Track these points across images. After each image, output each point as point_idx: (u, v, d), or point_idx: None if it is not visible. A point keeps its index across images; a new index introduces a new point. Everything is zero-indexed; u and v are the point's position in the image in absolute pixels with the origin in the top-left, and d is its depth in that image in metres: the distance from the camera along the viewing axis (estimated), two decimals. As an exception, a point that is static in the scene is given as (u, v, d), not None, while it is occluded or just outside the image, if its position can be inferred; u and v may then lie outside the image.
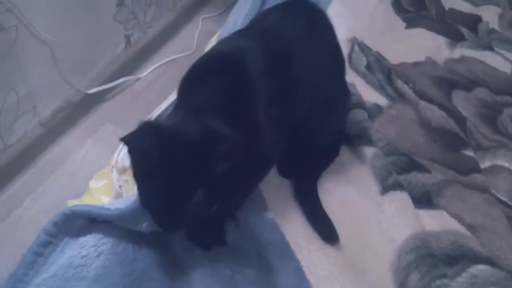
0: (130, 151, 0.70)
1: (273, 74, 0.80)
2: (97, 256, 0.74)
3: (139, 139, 0.68)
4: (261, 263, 0.82)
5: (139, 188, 0.71)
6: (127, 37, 1.70)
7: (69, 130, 1.52)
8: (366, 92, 1.19)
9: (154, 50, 1.86)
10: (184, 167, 0.67)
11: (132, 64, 1.77)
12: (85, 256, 0.73)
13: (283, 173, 0.97)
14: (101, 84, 1.60)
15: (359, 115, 1.09)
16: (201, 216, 0.72)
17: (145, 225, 0.75)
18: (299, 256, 0.84)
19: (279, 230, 0.87)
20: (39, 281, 0.72)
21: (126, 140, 0.68)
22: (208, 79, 0.77)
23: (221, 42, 0.88)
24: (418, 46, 1.41)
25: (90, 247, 0.74)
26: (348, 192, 0.97)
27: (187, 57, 1.75)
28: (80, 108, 1.57)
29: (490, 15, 1.58)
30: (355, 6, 1.48)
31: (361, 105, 1.12)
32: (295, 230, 0.88)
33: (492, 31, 1.53)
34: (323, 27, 0.96)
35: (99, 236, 0.76)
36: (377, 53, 1.34)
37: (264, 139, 0.80)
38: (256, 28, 0.91)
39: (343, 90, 1.00)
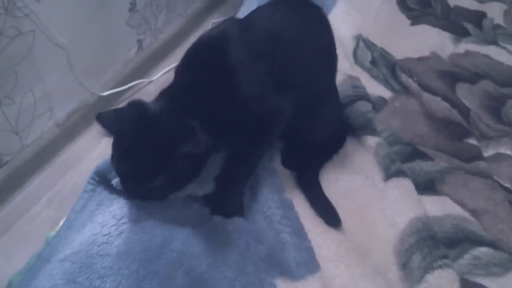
0: (107, 127, 0.79)
1: (263, 60, 0.83)
2: (118, 234, 0.78)
3: (120, 117, 0.78)
4: (274, 239, 0.86)
5: (111, 155, 0.79)
6: (139, 41, 1.75)
7: (84, 131, 1.57)
8: (371, 86, 1.21)
9: (165, 54, 1.91)
10: (152, 153, 0.74)
11: (144, 67, 1.82)
12: (107, 234, 0.78)
13: (286, 164, 1.00)
14: (114, 87, 1.65)
15: (363, 106, 1.11)
16: (161, 197, 0.81)
17: (115, 182, 0.84)
18: (305, 238, 0.87)
19: (295, 210, 0.91)
20: (62, 257, 0.76)
21: (100, 117, 0.79)
22: (192, 69, 0.84)
23: (206, 32, 0.92)
24: (423, 41, 1.43)
25: (111, 226, 0.79)
26: (352, 180, 0.99)
27: (198, 60, 1.80)
28: (94, 110, 1.59)
29: (495, 11, 1.60)
30: (361, 4, 1.51)
31: (365, 97, 1.14)
32: (302, 214, 0.90)
33: (497, 26, 1.54)
34: (316, 21, 0.98)
35: (118, 216, 0.80)
36: (382, 49, 1.37)
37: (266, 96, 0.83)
38: (246, 19, 0.94)
39: (334, 84, 1.03)
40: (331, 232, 0.88)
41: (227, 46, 0.83)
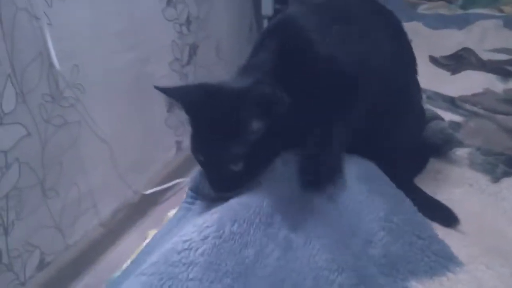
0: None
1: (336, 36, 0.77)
2: (202, 239, 0.61)
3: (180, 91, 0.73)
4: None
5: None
6: (178, 142, 1.74)
7: (128, 231, 1.46)
8: (438, 113, 1.13)
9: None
10: (223, 122, 0.67)
11: (184, 167, 1.77)
12: (189, 240, 0.61)
13: None
14: (156, 185, 1.58)
15: (439, 124, 1.01)
16: (242, 183, 0.70)
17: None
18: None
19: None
20: (138, 272, 0.60)
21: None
22: (264, 42, 0.78)
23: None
24: (471, 82, 1.38)
25: (191, 233, 0.62)
26: (453, 192, 0.85)
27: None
28: (138, 209, 1.52)
29: (530, 58, 1.58)
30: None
31: (438, 117, 1.05)
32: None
33: (539, 69, 1.51)
34: (393, 22, 0.90)
35: (200, 222, 0.65)
36: (433, 90, 1.32)
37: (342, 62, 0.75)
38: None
39: (417, 91, 0.94)
40: (452, 235, 0.72)
41: (296, 21, 0.79)
